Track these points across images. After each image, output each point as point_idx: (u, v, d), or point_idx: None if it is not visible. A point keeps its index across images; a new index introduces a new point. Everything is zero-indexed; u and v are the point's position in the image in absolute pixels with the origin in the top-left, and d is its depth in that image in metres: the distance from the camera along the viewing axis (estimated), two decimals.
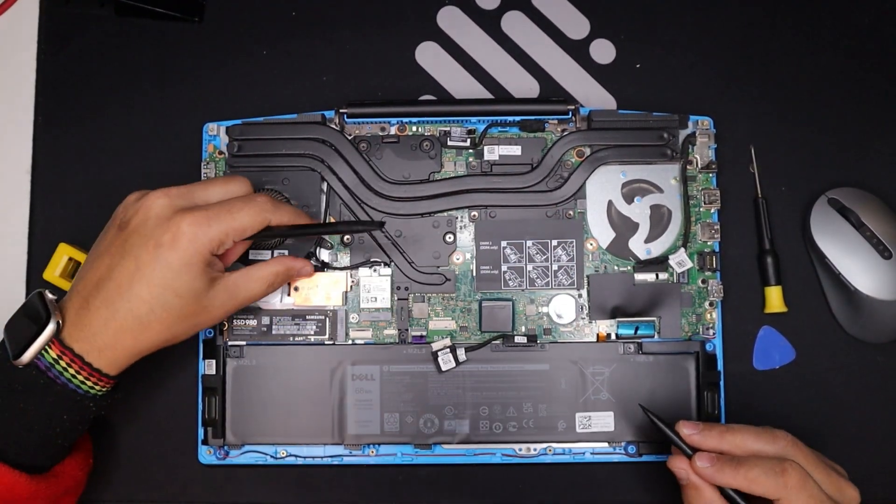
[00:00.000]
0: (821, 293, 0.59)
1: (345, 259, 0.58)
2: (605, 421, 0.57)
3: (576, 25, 0.61)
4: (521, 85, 0.61)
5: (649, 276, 0.57)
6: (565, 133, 0.58)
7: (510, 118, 0.58)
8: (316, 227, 0.55)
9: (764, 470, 0.46)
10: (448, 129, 0.58)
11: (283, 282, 0.53)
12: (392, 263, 0.58)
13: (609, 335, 0.57)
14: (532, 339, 0.57)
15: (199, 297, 0.48)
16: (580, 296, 0.58)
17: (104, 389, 0.48)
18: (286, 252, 0.57)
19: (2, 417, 0.47)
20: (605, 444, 0.57)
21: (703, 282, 0.58)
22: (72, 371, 0.47)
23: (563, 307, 0.57)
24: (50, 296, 0.48)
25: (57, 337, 0.47)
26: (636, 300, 0.57)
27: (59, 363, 0.47)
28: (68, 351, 0.47)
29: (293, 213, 0.52)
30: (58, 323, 0.47)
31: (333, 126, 0.58)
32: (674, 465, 0.49)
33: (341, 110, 0.57)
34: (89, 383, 0.47)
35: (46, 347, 0.47)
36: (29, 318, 0.47)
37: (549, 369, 0.57)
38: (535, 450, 0.57)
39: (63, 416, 0.48)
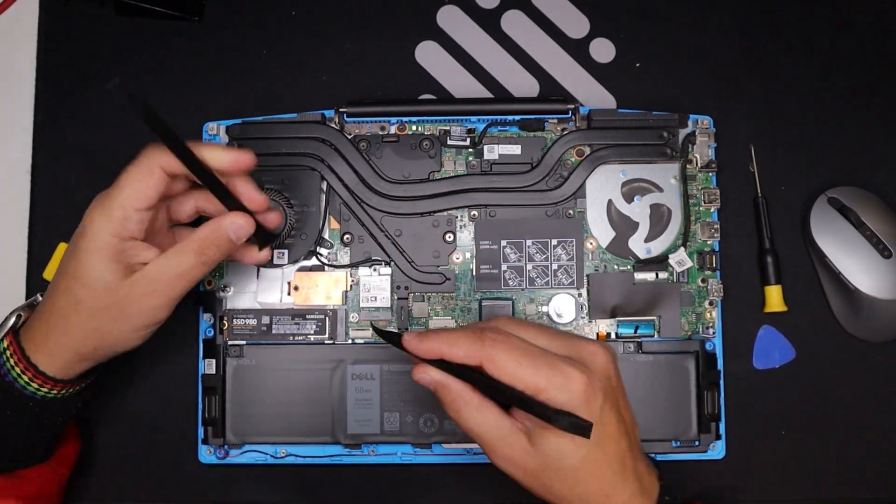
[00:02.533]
0: (821, 293, 0.59)
1: (345, 258, 0.58)
2: None
3: (576, 25, 0.61)
4: (521, 84, 0.61)
5: (649, 276, 0.57)
6: (565, 132, 0.58)
7: (510, 117, 0.58)
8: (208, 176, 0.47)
9: (465, 334, 0.45)
10: (448, 128, 0.58)
11: (217, 251, 0.47)
12: (392, 263, 0.58)
13: (609, 334, 0.57)
14: None
15: (112, 289, 0.46)
16: (580, 295, 0.58)
17: (50, 392, 0.48)
18: (285, 252, 0.57)
19: None
20: None
21: (703, 281, 0.58)
22: (17, 369, 0.47)
23: (563, 306, 0.57)
24: (40, 297, 0.49)
25: (15, 332, 0.48)
26: (636, 299, 0.57)
27: (6, 356, 0.47)
28: (18, 348, 0.47)
29: (186, 150, 0.45)
30: (18, 316, 0.48)
31: (333, 125, 0.58)
32: (416, 375, 0.46)
33: (341, 110, 0.57)
34: (34, 384, 0.47)
35: (3, 341, 0.48)
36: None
37: None
38: None
39: (7, 411, 0.48)
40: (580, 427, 0.42)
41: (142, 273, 0.46)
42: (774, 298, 0.58)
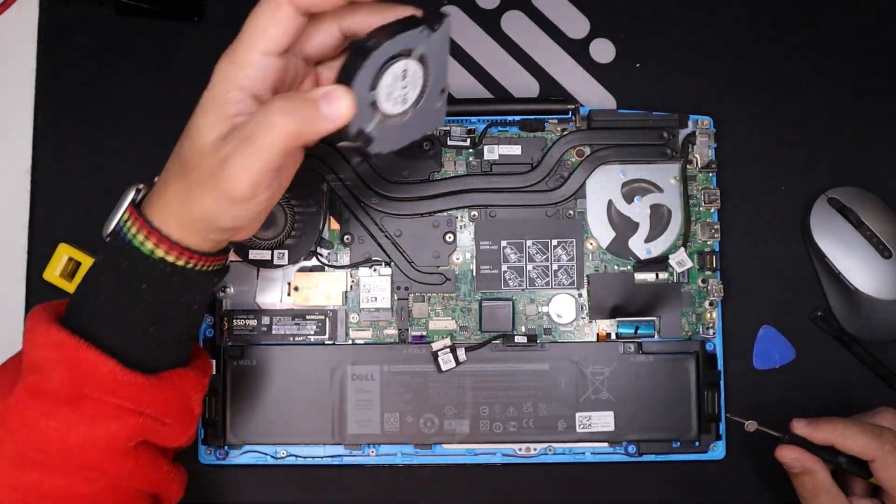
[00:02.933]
0: (821, 293, 0.59)
1: (345, 258, 0.58)
2: (605, 421, 0.57)
3: (576, 25, 0.61)
4: (521, 84, 0.61)
5: (649, 276, 0.57)
6: (565, 133, 0.58)
7: (510, 118, 0.58)
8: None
9: (862, 429, 0.48)
10: (448, 128, 0.58)
11: (307, 119, 0.39)
12: (392, 263, 0.58)
13: (609, 335, 0.57)
14: (532, 338, 0.57)
15: (207, 146, 0.40)
16: (580, 295, 0.58)
17: (184, 262, 0.42)
18: (285, 252, 0.57)
19: (95, 298, 0.43)
20: (605, 444, 0.57)
21: (703, 281, 0.58)
22: (141, 235, 0.42)
23: (563, 307, 0.57)
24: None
25: (136, 205, 0.43)
26: (636, 300, 0.57)
27: (126, 226, 0.43)
28: (140, 216, 0.42)
29: None
30: (137, 189, 0.44)
31: None
32: (782, 454, 0.49)
33: None
34: (160, 249, 0.42)
35: (125, 215, 0.43)
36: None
37: (549, 369, 0.57)
38: (535, 450, 0.57)
39: (142, 285, 0.42)
40: None
41: (234, 134, 0.39)
42: None
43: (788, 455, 0.49)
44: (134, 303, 0.43)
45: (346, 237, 0.58)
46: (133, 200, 0.44)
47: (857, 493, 0.51)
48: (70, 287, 0.57)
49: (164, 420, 0.45)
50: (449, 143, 0.58)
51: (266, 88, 0.41)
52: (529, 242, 0.58)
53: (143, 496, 0.47)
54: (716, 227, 0.58)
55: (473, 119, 0.58)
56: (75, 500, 0.44)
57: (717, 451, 0.57)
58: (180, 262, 0.43)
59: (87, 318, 0.43)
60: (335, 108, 0.39)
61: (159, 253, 0.42)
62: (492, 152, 0.58)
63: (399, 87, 0.42)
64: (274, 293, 0.57)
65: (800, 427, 0.49)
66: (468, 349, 0.56)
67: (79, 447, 0.43)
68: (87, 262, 0.57)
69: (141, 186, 0.44)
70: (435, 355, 0.56)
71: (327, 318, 0.57)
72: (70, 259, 0.57)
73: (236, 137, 0.39)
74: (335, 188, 0.57)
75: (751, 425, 0.50)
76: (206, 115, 0.41)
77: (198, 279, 0.44)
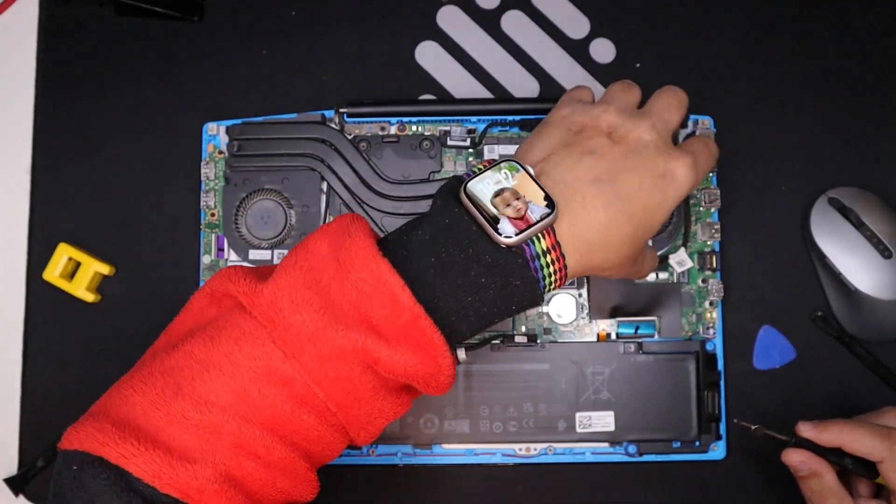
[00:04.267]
0: (821, 293, 0.59)
1: None
2: (605, 421, 0.57)
3: (576, 25, 0.61)
4: (521, 84, 0.61)
5: (649, 276, 0.57)
6: None
7: (510, 118, 0.58)
8: None
9: (869, 430, 0.48)
10: (448, 128, 0.58)
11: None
12: None
13: (609, 335, 0.57)
14: (532, 338, 0.57)
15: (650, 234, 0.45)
16: (580, 295, 0.58)
17: (551, 289, 0.43)
18: (285, 252, 0.57)
19: (454, 287, 0.41)
20: (605, 444, 0.57)
21: (704, 281, 0.58)
22: (553, 268, 0.42)
23: (564, 307, 0.57)
24: (530, 169, 0.43)
25: (552, 227, 0.42)
26: (636, 300, 0.57)
27: (545, 257, 0.42)
28: (558, 247, 0.42)
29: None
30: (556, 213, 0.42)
31: (333, 126, 0.58)
32: (789, 458, 0.49)
33: (341, 110, 0.57)
34: (553, 279, 0.42)
35: (539, 235, 0.41)
36: (506, 192, 0.42)
37: (549, 369, 0.57)
38: (535, 450, 0.57)
39: (513, 306, 0.42)
40: None
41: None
42: None
43: (795, 458, 0.49)
44: (489, 316, 0.42)
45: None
46: (552, 223, 0.42)
47: (862, 495, 0.50)
48: (70, 287, 0.57)
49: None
50: (449, 143, 0.58)
51: None
52: None
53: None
54: (716, 227, 0.58)
55: (473, 119, 0.58)
56: (327, 449, 0.43)
57: (717, 451, 0.57)
58: (549, 289, 0.43)
59: (433, 302, 0.41)
60: None
61: (550, 287, 0.43)
62: (492, 152, 0.58)
63: None
64: None
65: (806, 430, 0.49)
66: (468, 349, 0.56)
67: (368, 417, 0.42)
68: (86, 262, 0.57)
69: (549, 210, 0.42)
70: None
71: None
72: (70, 259, 0.57)
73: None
74: (335, 188, 0.57)
75: (758, 430, 0.50)
76: (666, 214, 0.45)
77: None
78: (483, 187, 0.42)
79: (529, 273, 0.41)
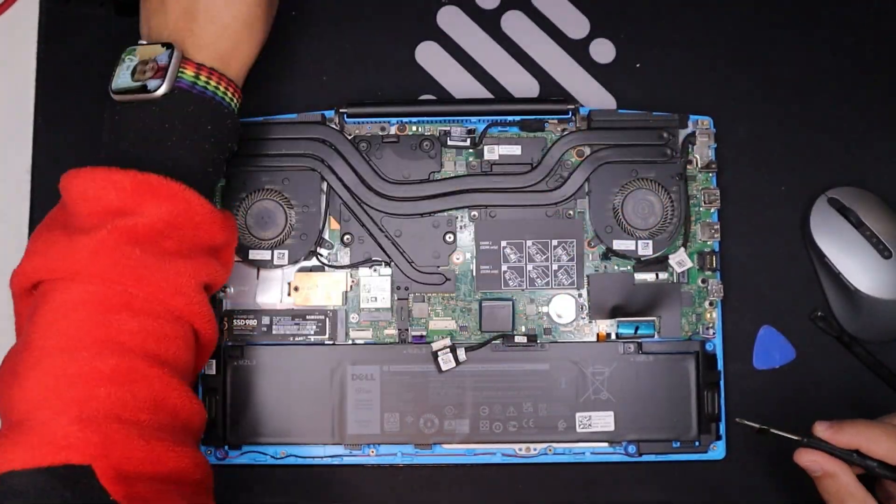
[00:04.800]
0: (821, 293, 0.59)
1: (345, 258, 0.58)
2: (605, 421, 0.57)
3: (576, 25, 0.61)
4: (521, 85, 0.61)
5: (649, 276, 0.57)
6: (565, 133, 0.58)
7: (510, 118, 0.58)
8: None
9: (886, 431, 0.47)
10: (448, 128, 0.58)
11: None
12: (392, 263, 0.58)
13: (609, 335, 0.57)
14: (532, 338, 0.57)
15: None
16: (580, 296, 0.58)
17: (236, 101, 0.51)
18: (285, 252, 0.57)
19: (157, 146, 0.48)
20: (605, 444, 0.57)
21: (703, 281, 0.58)
22: (212, 83, 0.49)
23: (563, 307, 0.57)
24: (142, 43, 0.50)
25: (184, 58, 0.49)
26: (636, 300, 0.57)
27: (200, 80, 0.49)
28: (204, 67, 0.49)
29: None
30: (173, 51, 0.49)
31: (333, 126, 0.58)
32: (802, 458, 0.48)
33: (341, 110, 0.57)
34: (229, 93, 0.50)
35: (181, 70, 0.48)
36: (138, 66, 0.49)
37: (549, 369, 0.57)
38: (535, 450, 0.57)
39: (208, 126, 0.49)
40: None
41: None
42: None
43: (807, 458, 0.48)
44: (200, 148, 0.48)
45: (346, 237, 0.58)
46: (179, 56, 0.48)
47: (894, 496, 0.49)
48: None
49: (222, 261, 0.51)
50: (449, 143, 0.58)
51: None
52: (529, 242, 0.58)
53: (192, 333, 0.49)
54: (716, 227, 0.58)
55: (473, 119, 0.58)
56: (160, 340, 0.46)
57: (717, 451, 0.57)
58: (234, 102, 0.50)
59: (150, 165, 0.46)
60: None
61: (228, 98, 0.50)
62: (492, 152, 0.58)
63: None
64: (274, 293, 0.57)
65: (822, 430, 0.48)
66: (468, 349, 0.56)
67: (171, 285, 0.46)
68: None
69: (168, 49, 0.49)
70: (435, 355, 0.56)
71: (327, 318, 0.57)
72: None
73: None
74: (335, 188, 0.57)
75: (764, 431, 0.49)
76: None
77: (236, 121, 0.51)
78: (122, 80, 0.49)
79: (202, 99, 0.48)
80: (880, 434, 0.47)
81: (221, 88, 0.49)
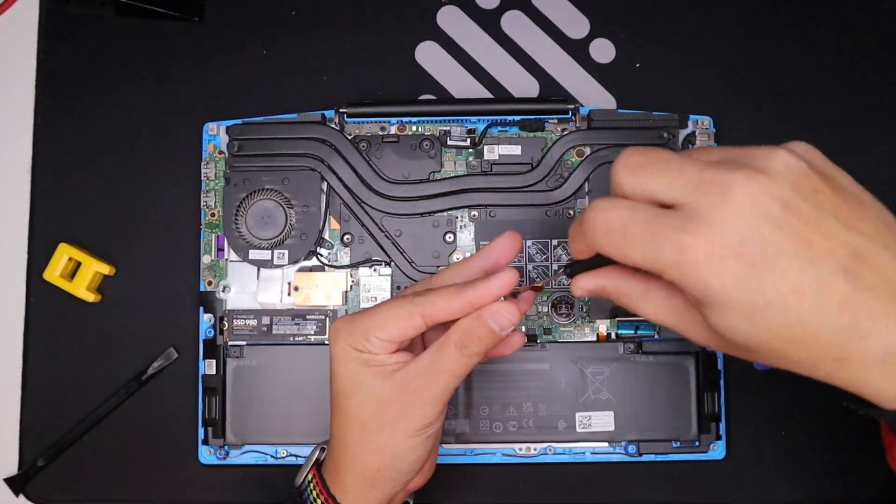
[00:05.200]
0: None
1: (345, 258, 0.58)
2: (605, 421, 0.57)
3: (576, 25, 0.61)
4: (521, 85, 0.61)
5: None
6: (565, 133, 0.58)
7: (510, 118, 0.58)
8: None
9: (572, 231, 0.38)
10: (448, 128, 0.58)
11: (480, 343, 0.42)
12: (392, 263, 0.58)
13: (609, 335, 0.57)
14: (532, 338, 0.57)
15: (375, 392, 0.43)
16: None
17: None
18: (285, 252, 0.57)
19: None
20: (605, 444, 0.57)
21: None
22: (315, 494, 0.46)
23: (564, 307, 0.57)
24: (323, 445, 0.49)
25: (318, 464, 0.48)
26: None
27: (309, 488, 0.47)
28: (321, 481, 0.47)
29: (447, 299, 0.41)
30: (322, 449, 0.48)
31: (333, 126, 0.58)
32: (574, 293, 0.40)
33: (341, 110, 0.57)
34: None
35: (309, 476, 0.47)
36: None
37: (549, 369, 0.57)
38: (535, 449, 0.57)
39: None
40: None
41: (403, 371, 0.42)
42: None
43: (574, 292, 0.39)
44: None
45: (346, 237, 0.58)
46: (317, 460, 0.47)
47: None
48: (70, 287, 0.57)
49: None
50: (449, 143, 0.58)
51: (385, 352, 0.43)
52: (529, 242, 0.58)
53: None
54: None
55: (473, 119, 0.58)
56: None
57: (717, 451, 0.57)
58: None
59: None
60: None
61: None
62: (492, 152, 0.58)
63: None
64: (274, 293, 0.57)
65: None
66: None
67: None
68: (87, 262, 0.57)
69: (325, 446, 0.48)
70: None
71: (327, 318, 0.57)
72: (70, 259, 0.58)
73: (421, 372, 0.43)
74: (335, 188, 0.57)
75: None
76: (348, 369, 0.43)
77: None
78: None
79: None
80: (574, 234, 0.37)
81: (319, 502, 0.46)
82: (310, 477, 0.47)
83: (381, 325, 0.42)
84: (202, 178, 0.58)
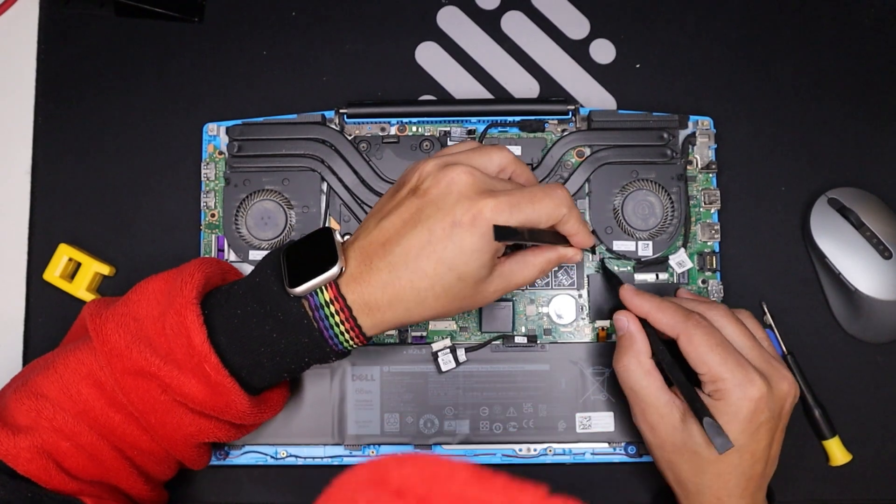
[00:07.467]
0: (821, 293, 0.59)
1: None
2: (605, 421, 0.57)
3: (576, 25, 0.61)
4: (521, 85, 0.61)
5: (649, 276, 0.57)
6: (565, 133, 0.58)
7: (510, 118, 0.58)
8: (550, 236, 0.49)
9: (675, 307, 0.50)
10: (448, 129, 0.58)
11: (551, 268, 0.50)
12: None
13: (609, 335, 0.57)
14: (532, 339, 0.57)
15: (479, 283, 0.46)
16: (580, 296, 0.58)
17: (353, 347, 0.48)
18: None
19: (250, 338, 0.47)
20: (605, 445, 0.57)
21: (703, 282, 0.58)
22: (337, 319, 0.46)
23: (564, 307, 0.57)
24: (339, 238, 0.48)
25: (335, 282, 0.46)
26: None
27: (328, 307, 0.46)
28: (341, 299, 0.46)
29: (579, 219, 0.49)
30: (341, 269, 0.46)
31: (333, 126, 0.58)
32: (619, 318, 0.52)
33: (341, 110, 0.57)
34: (347, 336, 0.47)
35: (322, 288, 0.46)
36: (312, 252, 0.47)
37: (549, 369, 0.57)
38: (535, 450, 0.57)
39: (306, 358, 0.47)
40: (721, 442, 0.46)
41: (499, 272, 0.48)
42: (837, 452, 0.57)
43: (621, 317, 0.51)
44: (288, 361, 0.48)
45: (346, 237, 0.58)
46: (334, 277, 0.46)
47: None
48: (70, 287, 0.57)
49: (240, 432, 0.52)
50: (449, 143, 0.58)
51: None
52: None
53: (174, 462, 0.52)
54: (716, 227, 0.58)
55: (473, 119, 0.58)
56: (137, 448, 0.50)
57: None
58: (351, 346, 0.48)
59: (236, 356, 0.47)
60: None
61: (348, 344, 0.47)
62: None
63: None
64: None
65: (626, 292, 0.52)
66: (468, 350, 0.57)
67: (174, 432, 0.49)
68: (87, 262, 0.57)
69: (341, 265, 0.46)
70: (435, 356, 0.56)
71: None
72: (70, 259, 0.58)
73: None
74: (335, 188, 0.57)
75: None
76: (482, 259, 0.46)
77: (340, 354, 0.49)
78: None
79: (315, 332, 0.46)
80: (669, 307, 0.50)
81: (347, 331, 0.46)
82: (328, 297, 0.46)
83: (535, 219, 0.47)
84: (202, 178, 0.58)
